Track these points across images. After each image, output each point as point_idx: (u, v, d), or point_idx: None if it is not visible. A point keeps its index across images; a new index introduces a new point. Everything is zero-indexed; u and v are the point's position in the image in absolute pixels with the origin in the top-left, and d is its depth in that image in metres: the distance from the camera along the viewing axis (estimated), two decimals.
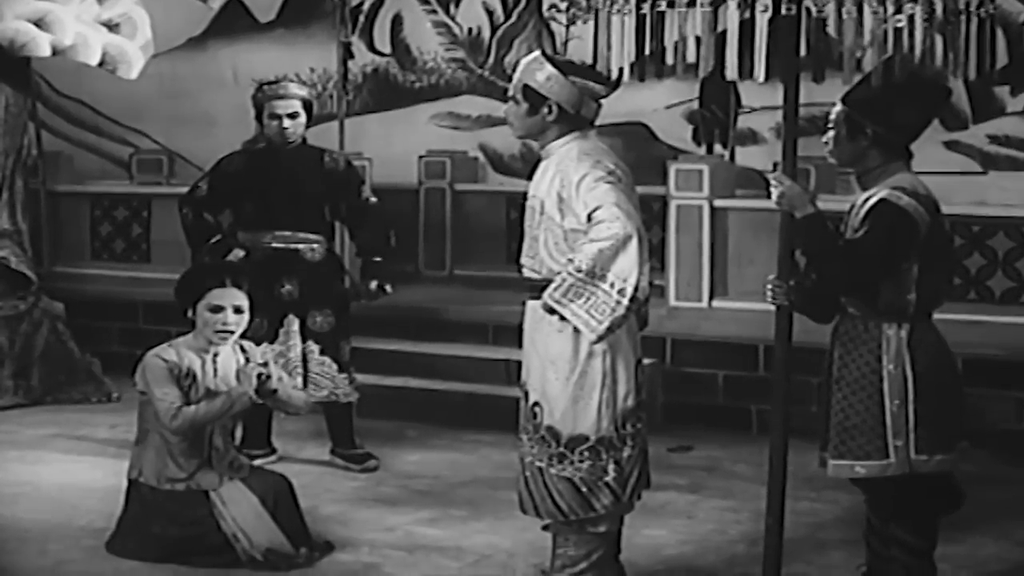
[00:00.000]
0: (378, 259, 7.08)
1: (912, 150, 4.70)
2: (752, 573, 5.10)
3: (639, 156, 9.12)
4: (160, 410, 5.34)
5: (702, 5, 4.70)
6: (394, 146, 10.64)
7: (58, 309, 8.94)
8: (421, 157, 10.49)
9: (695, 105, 10.03)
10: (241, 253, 6.87)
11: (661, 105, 10.37)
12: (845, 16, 4.62)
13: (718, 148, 9.85)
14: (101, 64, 8.73)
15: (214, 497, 5.40)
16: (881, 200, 4.54)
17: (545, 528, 5.03)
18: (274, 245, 6.90)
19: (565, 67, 4.82)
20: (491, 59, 11.15)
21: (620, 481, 4.83)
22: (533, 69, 4.81)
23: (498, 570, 5.45)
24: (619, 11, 4.85)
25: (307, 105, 6.97)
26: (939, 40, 4.68)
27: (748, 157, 9.87)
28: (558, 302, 4.61)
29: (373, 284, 7.05)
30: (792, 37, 4.59)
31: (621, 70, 4.91)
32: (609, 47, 4.89)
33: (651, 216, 8.27)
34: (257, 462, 6.26)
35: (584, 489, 4.80)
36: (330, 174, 6.99)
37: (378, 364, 8.21)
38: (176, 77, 11.63)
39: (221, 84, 11.72)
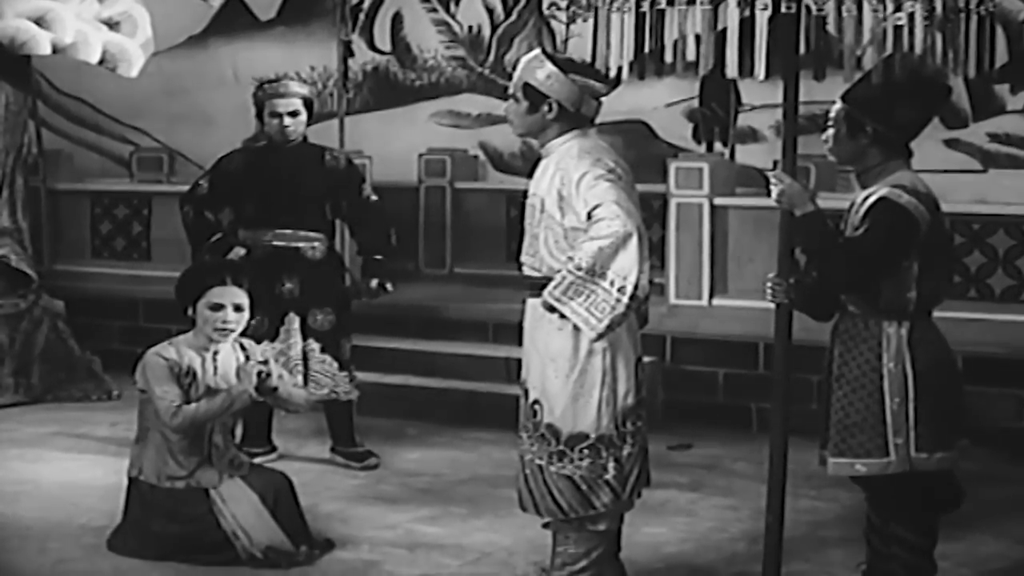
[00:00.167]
0: (379, 257, 7.08)
1: (912, 148, 4.70)
2: (752, 571, 5.10)
3: (639, 154, 9.12)
4: (160, 408, 5.34)
5: (702, 3, 4.69)
6: (394, 144, 10.63)
7: (58, 307, 8.94)
8: (421, 155, 10.49)
9: (695, 103, 10.04)
10: (242, 251, 6.87)
11: (661, 103, 10.36)
12: (845, 14, 4.61)
13: (718, 146, 9.86)
14: (101, 62, 8.73)
15: (214, 495, 5.40)
16: (881, 198, 4.54)
17: (545, 526, 5.03)
18: (275, 243, 6.90)
19: (565, 65, 4.82)
20: (491, 57, 11.15)
21: (620, 479, 4.83)
22: (533, 67, 4.81)
23: (498, 568, 5.45)
24: (619, 9, 4.84)
25: (308, 103, 6.96)
26: (939, 38, 4.68)
27: (748, 155, 9.87)
28: (558, 300, 4.61)
29: (374, 282, 7.05)
30: (792, 35, 4.59)
31: (621, 68, 4.90)
32: (609, 45, 4.89)
33: (651, 214, 8.27)
34: (257, 460, 6.26)
35: (584, 487, 4.80)
36: (331, 172, 6.99)
37: (378, 362, 8.22)
38: (176, 75, 11.63)
39: (221, 82, 11.72)
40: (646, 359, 5.25)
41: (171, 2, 10.19)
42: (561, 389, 4.78)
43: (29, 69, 8.97)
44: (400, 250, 7.48)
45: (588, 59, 4.97)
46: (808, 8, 4.60)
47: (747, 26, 4.66)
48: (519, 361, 5.04)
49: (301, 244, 6.91)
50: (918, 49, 4.63)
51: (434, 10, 11.32)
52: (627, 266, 4.53)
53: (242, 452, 5.88)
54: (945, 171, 8.87)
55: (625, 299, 4.54)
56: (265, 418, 7.05)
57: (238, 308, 5.49)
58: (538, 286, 4.74)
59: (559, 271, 4.64)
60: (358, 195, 7.06)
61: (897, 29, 4.62)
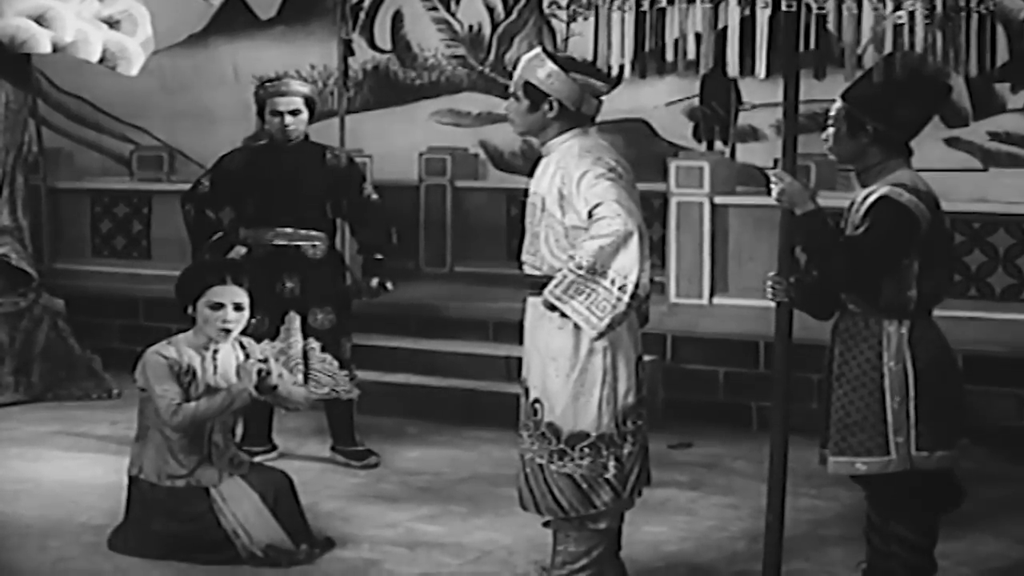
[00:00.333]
0: (379, 256, 7.08)
1: (912, 147, 4.70)
2: (752, 570, 5.10)
3: (640, 153, 9.12)
4: (160, 407, 5.34)
5: (703, 2, 4.69)
6: (395, 143, 10.64)
7: (59, 305, 8.94)
8: (422, 154, 10.49)
9: (696, 102, 10.04)
10: (242, 250, 6.87)
11: (662, 102, 10.37)
12: (845, 13, 4.61)
13: (719, 145, 9.86)
14: (102, 61, 8.73)
15: (214, 494, 5.40)
16: (882, 197, 4.54)
17: (546, 525, 5.03)
18: (276, 242, 6.90)
19: (566, 64, 4.82)
20: (492, 56, 11.16)
21: (620, 478, 4.83)
22: (534, 66, 4.81)
23: (498, 567, 5.45)
24: (619, 8, 4.84)
25: (309, 102, 6.96)
26: (939, 37, 4.67)
27: (749, 154, 9.87)
28: (559, 299, 4.61)
29: (374, 281, 7.05)
30: (792, 33, 4.58)
31: (621, 67, 4.90)
32: (609, 44, 4.89)
33: (652, 213, 8.27)
34: (257, 458, 6.27)
35: (584, 486, 4.80)
36: (332, 171, 6.99)
37: (379, 361, 8.22)
38: (177, 74, 11.63)
39: (222, 81, 11.72)
40: (646, 358, 5.25)
41: (171, 0, 10.19)
42: (562, 388, 4.78)
43: (29, 67, 8.96)
44: (400, 249, 7.49)
45: (589, 58, 4.97)
46: (808, 6, 4.60)
47: (747, 25, 4.66)
48: (519, 360, 5.04)
49: (302, 243, 6.91)
50: (918, 48, 4.63)
51: (434, 9, 11.33)
52: (628, 265, 4.53)
53: (242, 451, 5.88)
54: (945, 170, 8.87)
55: (626, 298, 4.54)
56: (265, 417, 7.05)
57: (238, 307, 5.49)
58: (539, 285, 4.74)
59: (560, 270, 4.64)
60: (359, 194, 7.05)
61: (897, 28, 4.61)
